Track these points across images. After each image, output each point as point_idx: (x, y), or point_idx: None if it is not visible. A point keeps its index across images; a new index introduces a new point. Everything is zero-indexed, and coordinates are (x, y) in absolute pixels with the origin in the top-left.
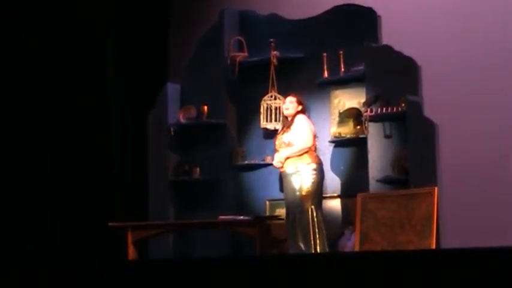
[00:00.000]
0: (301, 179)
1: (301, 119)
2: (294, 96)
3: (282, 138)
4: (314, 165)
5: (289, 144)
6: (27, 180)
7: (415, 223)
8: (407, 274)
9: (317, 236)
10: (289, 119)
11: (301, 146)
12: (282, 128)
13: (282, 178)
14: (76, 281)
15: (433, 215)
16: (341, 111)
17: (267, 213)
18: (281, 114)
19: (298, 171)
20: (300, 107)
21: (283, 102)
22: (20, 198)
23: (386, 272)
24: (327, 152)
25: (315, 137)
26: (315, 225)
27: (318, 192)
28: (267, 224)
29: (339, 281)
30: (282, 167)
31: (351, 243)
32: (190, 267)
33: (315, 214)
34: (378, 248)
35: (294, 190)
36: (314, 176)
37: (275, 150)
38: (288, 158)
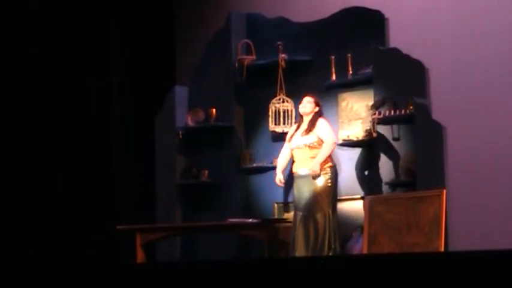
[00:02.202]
0: (315, 182)
1: (324, 123)
2: (312, 96)
3: (302, 140)
4: (327, 169)
5: (310, 146)
6: (32, 182)
7: (422, 225)
8: (415, 277)
9: (332, 239)
10: (305, 118)
11: (329, 147)
12: (297, 128)
13: (292, 180)
14: (85, 284)
15: (441, 217)
16: (349, 114)
17: (275, 216)
18: (289, 117)
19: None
20: (317, 108)
21: (300, 102)
22: (25, 199)
23: (394, 275)
24: (335, 154)
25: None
26: (331, 228)
27: (335, 194)
28: (275, 227)
29: (347, 284)
30: (320, 174)
31: (359, 245)
32: (198, 270)
33: (332, 217)
34: (385, 250)
35: (308, 192)
36: (329, 178)
37: (288, 150)
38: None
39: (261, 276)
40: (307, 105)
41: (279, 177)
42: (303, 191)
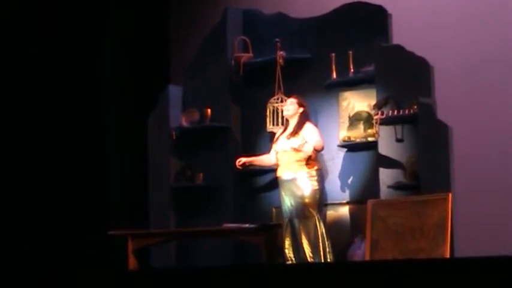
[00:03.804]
0: (301, 186)
1: (311, 127)
2: (296, 97)
3: (287, 143)
4: (313, 172)
5: (296, 149)
6: (23, 185)
7: (427, 231)
8: (419, 284)
9: (326, 244)
10: (290, 121)
11: (319, 141)
12: (283, 131)
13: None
14: None
15: (446, 222)
16: (350, 114)
17: (274, 221)
18: None
19: (296, 178)
20: (300, 109)
21: (284, 104)
22: (17, 203)
23: (398, 282)
24: (335, 156)
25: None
26: (323, 233)
27: (322, 198)
28: (274, 232)
29: None
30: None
31: (361, 251)
32: (193, 276)
33: (320, 222)
34: (388, 256)
35: (294, 197)
36: (314, 182)
37: (273, 152)
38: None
39: (258, 283)
40: (290, 107)
41: (242, 159)
42: (289, 195)
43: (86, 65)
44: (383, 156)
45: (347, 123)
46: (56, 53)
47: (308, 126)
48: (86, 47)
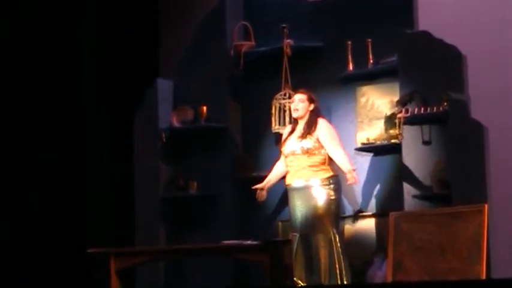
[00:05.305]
0: (315, 195)
1: (324, 124)
2: (304, 92)
3: (298, 145)
4: (330, 179)
5: (308, 152)
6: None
7: (459, 248)
8: None
9: (343, 264)
10: (300, 120)
11: (343, 153)
12: (291, 131)
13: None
14: None
15: (482, 237)
16: (369, 112)
17: (280, 237)
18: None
19: (310, 186)
20: (311, 106)
21: (292, 101)
22: None
23: None
24: (353, 162)
25: None
26: (339, 251)
27: (338, 210)
28: (280, 250)
29: None
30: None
31: (382, 272)
32: None
33: (337, 238)
34: (414, 278)
35: (306, 208)
36: (329, 190)
37: (281, 155)
38: None
39: None
40: (300, 105)
41: (261, 189)
42: (300, 206)
43: (65, 58)
44: (408, 160)
45: (366, 122)
46: (32, 46)
47: (322, 124)
48: (64, 34)
